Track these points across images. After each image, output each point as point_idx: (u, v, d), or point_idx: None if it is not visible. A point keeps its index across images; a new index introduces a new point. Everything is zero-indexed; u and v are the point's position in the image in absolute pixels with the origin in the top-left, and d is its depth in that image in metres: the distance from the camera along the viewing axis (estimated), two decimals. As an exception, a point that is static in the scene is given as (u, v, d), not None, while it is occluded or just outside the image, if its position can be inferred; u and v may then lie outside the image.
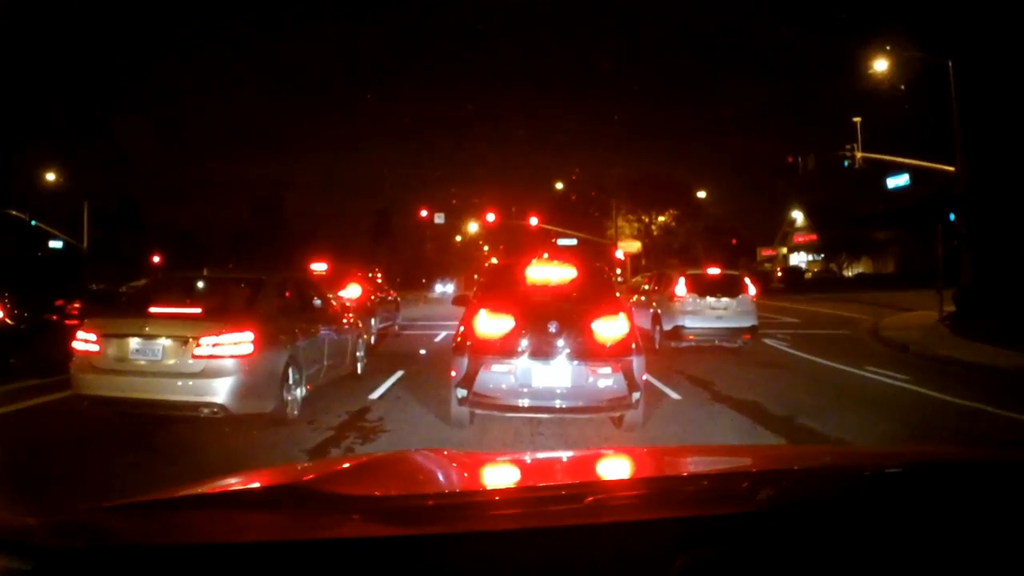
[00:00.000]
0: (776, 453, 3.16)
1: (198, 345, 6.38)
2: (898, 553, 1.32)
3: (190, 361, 6.37)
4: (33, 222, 34.29)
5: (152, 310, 6.93)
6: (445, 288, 47.95)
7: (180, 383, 6.37)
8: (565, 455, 3.94)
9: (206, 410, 6.39)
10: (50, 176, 37.84)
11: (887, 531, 1.35)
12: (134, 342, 6.52)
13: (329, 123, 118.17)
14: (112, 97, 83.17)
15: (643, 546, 1.26)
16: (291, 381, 7.15)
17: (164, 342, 6.46)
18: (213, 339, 6.39)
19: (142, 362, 6.48)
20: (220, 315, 6.91)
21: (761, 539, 1.32)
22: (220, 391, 6.34)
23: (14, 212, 33.08)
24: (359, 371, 9.93)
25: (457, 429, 6.87)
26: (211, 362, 6.37)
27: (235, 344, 6.44)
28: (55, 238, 36.48)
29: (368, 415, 7.61)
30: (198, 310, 6.97)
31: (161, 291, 7.94)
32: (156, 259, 48.48)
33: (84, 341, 6.68)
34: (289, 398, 7.09)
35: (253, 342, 6.52)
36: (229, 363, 6.39)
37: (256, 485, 1.84)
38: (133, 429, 6.62)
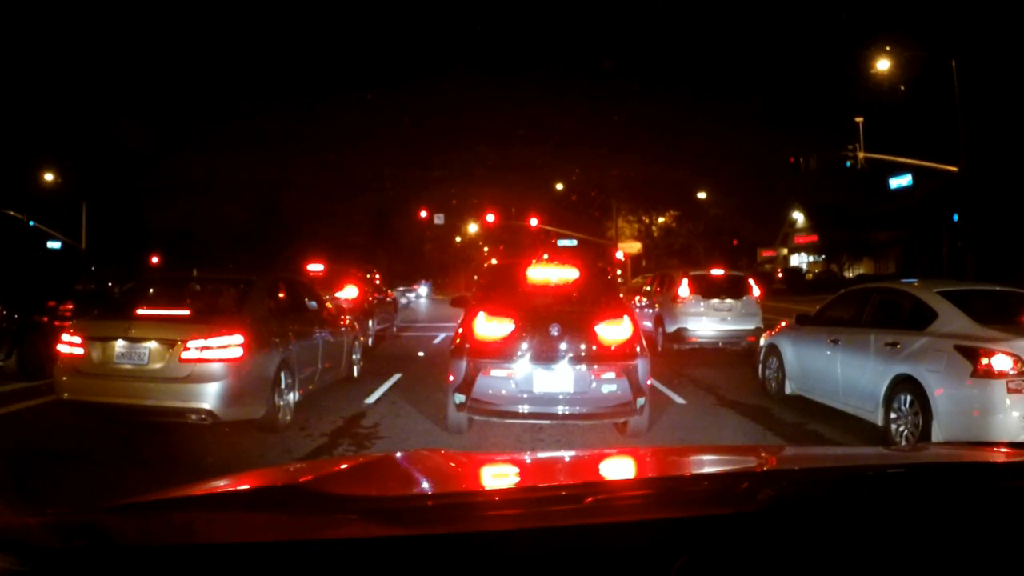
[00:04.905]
0: (776, 453, 3.12)
1: (185, 348, 6.13)
2: (898, 554, 1.30)
3: (177, 365, 6.13)
4: (32, 222, 34.16)
5: (138, 312, 6.70)
6: (418, 292, 41.88)
7: (166, 388, 6.13)
8: (565, 455, 3.92)
9: (193, 416, 6.14)
10: (49, 176, 37.62)
11: (888, 531, 1.34)
12: (119, 345, 6.27)
13: (329, 123, 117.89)
14: (112, 97, 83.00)
15: (643, 546, 1.25)
16: (283, 386, 6.90)
17: (150, 345, 6.22)
18: (201, 342, 6.14)
19: (127, 366, 6.24)
20: (208, 317, 6.67)
21: (761, 539, 1.31)
22: (208, 396, 6.09)
23: (12, 212, 32.90)
24: (355, 374, 9.70)
25: (455, 435, 6.65)
26: (198, 366, 6.12)
27: (223, 347, 6.19)
28: (54, 239, 36.37)
29: (363, 421, 7.37)
30: (185, 312, 6.74)
31: (148, 292, 7.70)
32: (155, 259, 48.24)
33: (68, 344, 6.45)
34: (281, 403, 6.84)
35: (242, 345, 6.27)
36: (217, 367, 6.15)
37: (256, 485, 1.83)
38: (117, 436, 6.37)
